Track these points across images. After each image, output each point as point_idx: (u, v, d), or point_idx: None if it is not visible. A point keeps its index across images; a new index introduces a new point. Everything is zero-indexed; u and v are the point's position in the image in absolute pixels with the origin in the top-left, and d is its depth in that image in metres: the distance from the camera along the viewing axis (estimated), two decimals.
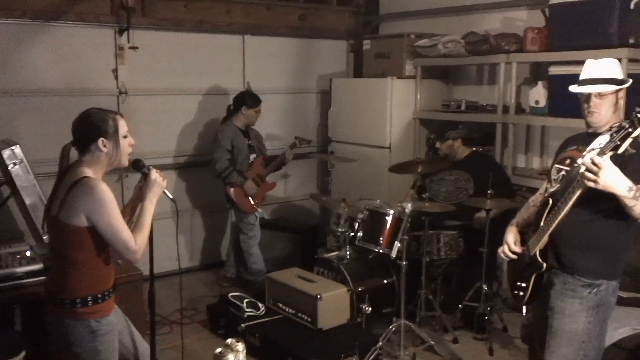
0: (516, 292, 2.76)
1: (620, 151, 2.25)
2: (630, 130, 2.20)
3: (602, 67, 2.57)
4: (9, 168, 3.44)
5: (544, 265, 2.61)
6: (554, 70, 4.41)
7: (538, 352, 2.83)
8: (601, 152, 2.28)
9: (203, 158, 5.46)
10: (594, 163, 2.25)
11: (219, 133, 4.93)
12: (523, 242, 2.78)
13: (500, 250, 2.85)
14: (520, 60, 4.71)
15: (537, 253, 2.63)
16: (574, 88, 2.62)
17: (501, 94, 4.86)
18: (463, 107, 5.18)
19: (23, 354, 3.02)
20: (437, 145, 4.65)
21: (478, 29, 5.00)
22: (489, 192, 4.02)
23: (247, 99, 4.96)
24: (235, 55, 5.79)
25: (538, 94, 4.65)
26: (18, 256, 3.16)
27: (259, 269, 5.05)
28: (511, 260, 2.82)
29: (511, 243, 2.78)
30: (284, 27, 5.97)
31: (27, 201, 3.48)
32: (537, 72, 5.00)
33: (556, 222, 2.52)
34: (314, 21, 6.18)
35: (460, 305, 4.32)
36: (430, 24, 5.79)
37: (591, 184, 2.28)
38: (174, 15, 5.30)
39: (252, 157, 5.08)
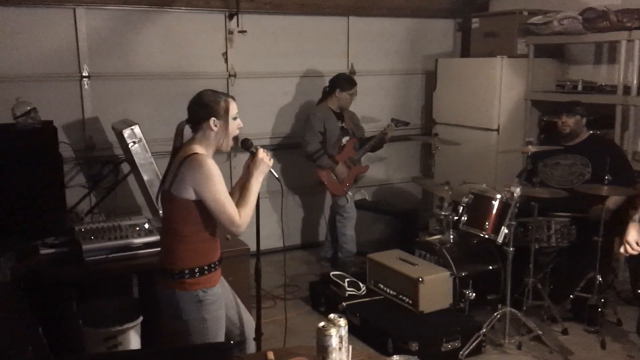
0: None
1: None
2: None
3: None
4: (129, 146, 3.66)
5: None
6: None
7: None
8: None
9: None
10: None
11: (312, 115, 4.95)
12: None
13: (621, 249, 2.67)
14: None
15: None
16: None
17: (622, 73, 4.57)
18: (580, 88, 4.90)
19: (140, 319, 3.23)
20: (564, 118, 4.36)
21: (596, 5, 4.69)
22: (606, 177, 3.77)
23: (342, 82, 4.94)
24: (339, 37, 5.79)
25: None
26: (137, 228, 3.34)
27: (349, 250, 5.09)
28: (632, 257, 2.64)
29: (633, 243, 2.60)
30: (387, 7, 5.89)
31: (145, 177, 3.68)
32: None
33: None
34: (417, 0, 6.05)
35: (571, 296, 4.10)
36: (543, 0, 5.50)
37: None
38: None
39: (345, 139, 5.07)
